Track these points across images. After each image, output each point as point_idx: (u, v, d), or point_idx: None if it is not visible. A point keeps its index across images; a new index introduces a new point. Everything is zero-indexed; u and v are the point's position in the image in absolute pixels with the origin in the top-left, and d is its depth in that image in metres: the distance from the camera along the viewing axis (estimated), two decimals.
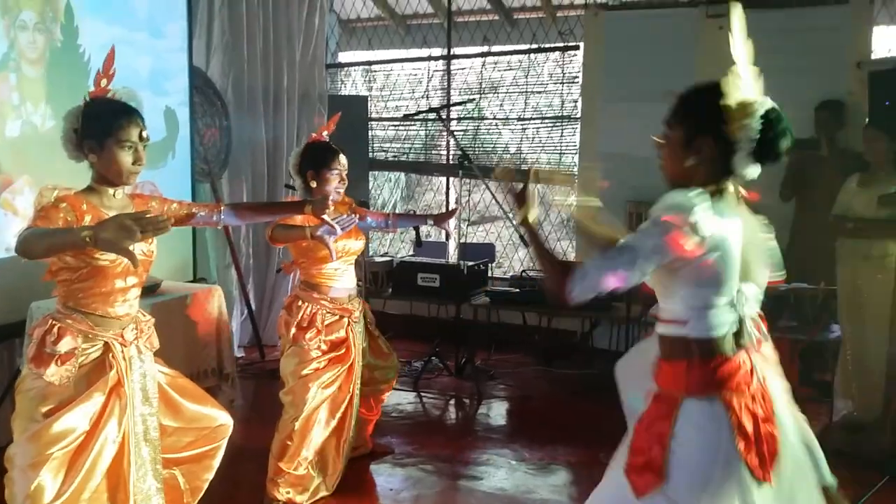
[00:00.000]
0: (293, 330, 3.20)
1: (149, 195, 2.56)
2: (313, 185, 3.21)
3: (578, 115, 5.94)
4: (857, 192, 4.19)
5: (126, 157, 2.24)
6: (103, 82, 2.33)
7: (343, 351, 3.28)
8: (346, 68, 7.23)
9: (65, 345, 2.20)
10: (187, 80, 4.61)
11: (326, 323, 3.24)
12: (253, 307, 5.62)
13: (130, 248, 1.89)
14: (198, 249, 4.81)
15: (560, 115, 6.11)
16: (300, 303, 3.23)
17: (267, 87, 5.75)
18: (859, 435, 4.07)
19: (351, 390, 3.32)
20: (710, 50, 5.20)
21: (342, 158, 3.25)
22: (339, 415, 3.30)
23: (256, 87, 5.63)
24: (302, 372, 3.18)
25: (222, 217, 2.64)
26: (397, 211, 7.63)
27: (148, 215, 1.88)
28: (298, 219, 3.05)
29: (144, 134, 2.29)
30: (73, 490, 2.20)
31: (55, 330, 2.22)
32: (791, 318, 4.40)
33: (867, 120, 4.74)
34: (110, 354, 2.29)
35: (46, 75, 3.64)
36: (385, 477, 3.69)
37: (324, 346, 3.22)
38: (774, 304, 4.20)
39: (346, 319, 3.30)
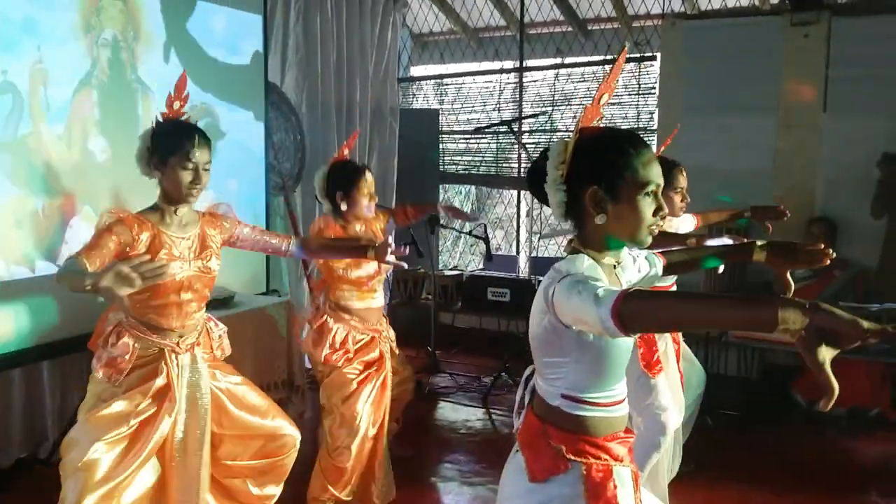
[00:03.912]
0: (326, 350, 3.14)
1: (221, 214, 2.62)
2: (343, 207, 3.18)
3: (655, 127, 5.79)
4: None
5: (185, 177, 2.36)
6: (176, 104, 2.44)
7: (376, 368, 3.24)
8: (417, 82, 7.25)
9: (120, 347, 2.36)
10: (263, 96, 4.68)
11: (358, 345, 3.19)
12: None
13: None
14: (271, 262, 4.87)
15: (636, 126, 5.98)
16: (330, 324, 3.19)
17: (340, 102, 5.80)
18: None
19: (385, 405, 3.29)
20: (795, 59, 5.01)
21: (369, 176, 3.20)
22: (375, 430, 3.25)
23: (330, 102, 5.68)
24: (344, 395, 3.15)
25: (291, 248, 2.76)
26: (468, 226, 7.59)
27: (145, 262, 1.92)
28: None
29: (201, 156, 2.37)
30: (123, 478, 2.30)
31: (117, 333, 2.40)
32: (883, 341, 4.16)
33: None
34: (163, 360, 2.41)
35: (128, 92, 3.73)
36: (452, 496, 3.64)
37: (359, 367, 3.19)
38: None
39: (376, 338, 3.26)
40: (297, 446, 2.70)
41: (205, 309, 2.55)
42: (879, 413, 4.50)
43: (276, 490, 2.72)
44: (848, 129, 4.83)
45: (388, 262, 2.76)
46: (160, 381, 2.39)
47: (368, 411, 3.17)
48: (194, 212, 2.50)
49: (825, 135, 4.96)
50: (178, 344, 2.44)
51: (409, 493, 3.50)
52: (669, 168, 3.17)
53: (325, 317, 3.21)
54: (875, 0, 4.90)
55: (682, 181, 3.22)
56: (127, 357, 2.36)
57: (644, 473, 3.00)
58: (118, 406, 2.33)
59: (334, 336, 3.16)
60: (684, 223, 3.41)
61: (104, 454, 2.29)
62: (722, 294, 2.52)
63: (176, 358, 2.43)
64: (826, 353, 1.15)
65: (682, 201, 3.24)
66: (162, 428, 2.38)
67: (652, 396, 3.00)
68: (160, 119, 2.44)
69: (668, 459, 3.37)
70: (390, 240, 2.79)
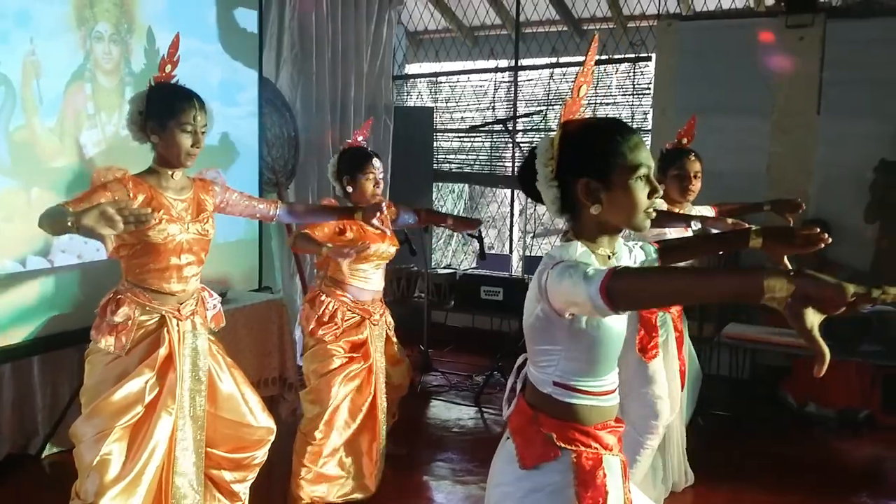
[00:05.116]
0: (313, 324, 3.20)
1: (211, 181, 2.64)
2: (349, 189, 3.23)
3: (649, 128, 5.80)
4: None
5: (185, 140, 2.36)
6: (168, 68, 2.46)
7: (361, 354, 3.26)
8: (412, 80, 7.24)
9: (121, 315, 2.35)
10: (257, 91, 4.65)
11: (347, 322, 3.22)
12: None
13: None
14: (263, 259, 4.85)
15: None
16: (322, 297, 3.24)
17: (334, 99, 5.78)
18: None
19: (373, 392, 3.29)
20: (789, 61, 5.01)
21: (376, 163, 3.26)
22: (361, 416, 3.26)
23: (324, 99, 5.66)
24: (324, 370, 3.18)
25: (278, 213, 2.79)
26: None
27: (129, 207, 1.91)
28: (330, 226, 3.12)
29: (200, 119, 2.39)
30: (136, 471, 2.32)
31: (116, 301, 2.39)
32: (874, 343, 4.18)
33: None
34: (165, 328, 2.41)
35: (121, 86, 3.71)
36: (444, 494, 3.63)
37: (344, 347, 3.21)
38: (857, 328, 3.99)
39: (366, 321, 3.28)
40: (272, 440, 2.73)
41: (200, 275, 2.57)
42: (869, 415, 4.51)
43: (251, 476, 2.77)
44: (842, 131, 4.84)
45: (373, 226, 2.83)
46: (163, 352, 2.39)
47: (346, 390, 3.18)
48: (186, 177, 2.51)
49: (819, 137, 4.97)
50: (178, 310, 2.44)
51: (402, 491, 3.50)
52: (684, 155, 3.27)
53: (318, 291, 3.27)
54: (870, 3, 4.92)
55: (696, 166, 3.26)
56: (129, 324, 2.35)
57: (637, 469, 3.02)
58: (130, 387, 2.33)
59: (324, 310, 3.20)
60: (704, 213, 3.42)
61: (115, 445, 2.30)
62: (708, 267, 2.52)
63: (178, 325, 2.43)
64: (814, 319, 1.14)
65: (689, 185, 3.25)
66: (164, 424, 2.38)
67: (647, 384, 3.04)
68: (153, 83, 2.44)
69: (671, 468, 3.38)
70: (383, 205, 2.84)
